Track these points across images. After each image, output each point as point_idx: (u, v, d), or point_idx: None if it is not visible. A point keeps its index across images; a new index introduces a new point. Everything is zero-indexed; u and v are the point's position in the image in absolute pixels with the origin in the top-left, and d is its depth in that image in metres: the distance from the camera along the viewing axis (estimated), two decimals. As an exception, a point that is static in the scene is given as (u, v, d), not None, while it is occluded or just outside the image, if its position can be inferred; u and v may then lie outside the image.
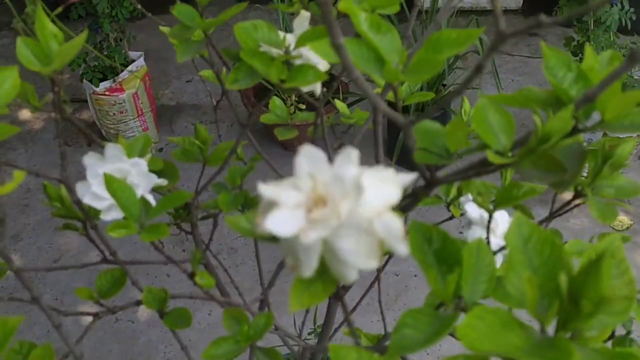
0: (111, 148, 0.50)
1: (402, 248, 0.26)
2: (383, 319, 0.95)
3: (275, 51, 0.48)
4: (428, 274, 0.40)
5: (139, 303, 0.62)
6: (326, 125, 0.71)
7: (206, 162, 0.70)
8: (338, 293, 0.35)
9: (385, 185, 0.26)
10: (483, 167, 0.43)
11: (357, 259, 0.25)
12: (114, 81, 1.95)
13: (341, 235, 0.25)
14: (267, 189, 0.26)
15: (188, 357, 0.80)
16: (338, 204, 0.25)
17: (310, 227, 0.24)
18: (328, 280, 0.28)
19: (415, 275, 1.67)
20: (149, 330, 1.55)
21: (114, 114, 2.02)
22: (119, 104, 2.00)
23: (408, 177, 0.27)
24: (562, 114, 0.37)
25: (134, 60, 1.99)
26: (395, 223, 0.25)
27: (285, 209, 0.25)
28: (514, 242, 0.32)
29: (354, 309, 0.93)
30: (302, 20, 0.51)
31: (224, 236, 1.80)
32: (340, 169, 0.26)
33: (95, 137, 0.59)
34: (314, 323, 1.26)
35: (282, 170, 0.65)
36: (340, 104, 0.80)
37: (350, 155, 0.26)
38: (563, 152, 0.40)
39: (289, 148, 2.15)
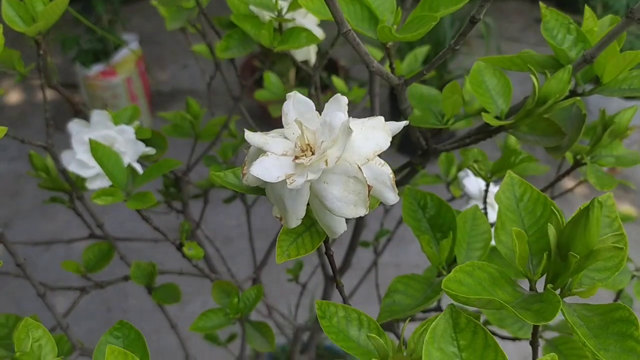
0: (97, 115, 0.49)
1: (391, 196, 0.25)
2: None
3: (267, 15, 0.47)
4: (421, 239, 0.39)
5: (126, 278, 0.61)
6: (322, 104, 0.70)
7: (197, 137, 0.68)
8: (335, 276, 0.34)
9: (374, 132, 0.25)
10: (480, 134, 0.42)
11: (345, 207, 0.24)
12: (108, 64, 1.92)
13: (329, 181, 0.24)
14: (253, 136, 0.25)
15: (178, 336, 0.79)
16: (326, 149, 0.23)
17: (297, 173, 0.23)
18: (315, 233, 0.27)
19: (416, 266, 1.66)
20: (141, 320, 1.54)
21: (107, 99, 2.00)
22: (112, 88, 1.98)
23: (398, 125, 0.26)
24: (559, 74, 0.35)
25: (127, 44, 1.96)
26: (385, 169, 0.24)
27: (272, 156, 0.24)
28: (506, 200, 0.31)
29: (352, 293, 0.93)
30: (296, -15, 0.50)
31: (220, 226, 1.78)
32: (329, 115, 0.24)
33: (82, 108, 0.58)
34: (310, 312, 1.25)
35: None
36: (337, 81, 0.78)
37: (339, 101, 0.25)
38: (561, 116, 0.39)
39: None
